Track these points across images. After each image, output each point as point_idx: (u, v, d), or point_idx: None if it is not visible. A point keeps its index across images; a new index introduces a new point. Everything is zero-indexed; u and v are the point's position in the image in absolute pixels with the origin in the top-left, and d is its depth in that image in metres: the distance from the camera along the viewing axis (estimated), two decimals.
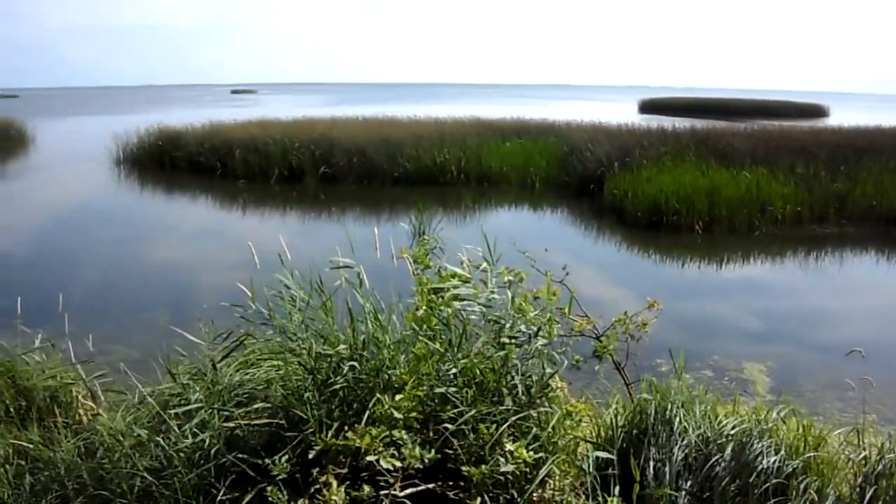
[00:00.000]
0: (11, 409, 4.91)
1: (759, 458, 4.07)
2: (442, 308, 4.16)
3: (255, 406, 3.95)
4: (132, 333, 8.89)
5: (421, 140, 22.85)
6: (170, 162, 25.57)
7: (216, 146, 24.45)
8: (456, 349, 4.07)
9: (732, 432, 4.24)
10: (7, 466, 4.52)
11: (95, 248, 14.80)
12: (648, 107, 70.24)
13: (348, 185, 22.00)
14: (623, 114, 43.68)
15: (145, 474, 3.79)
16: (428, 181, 21.65)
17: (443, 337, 4.15)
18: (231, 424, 3.82)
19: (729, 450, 4.09)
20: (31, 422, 4.85)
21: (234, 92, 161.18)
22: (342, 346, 3.99)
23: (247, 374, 4.32)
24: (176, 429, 3.94)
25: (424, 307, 4.15)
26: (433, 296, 4.19)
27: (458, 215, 18.72)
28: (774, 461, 4.06)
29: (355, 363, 3.94)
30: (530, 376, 4.08)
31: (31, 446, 4.57)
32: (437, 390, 3.80)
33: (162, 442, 3.90)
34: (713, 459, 4.05)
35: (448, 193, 20.93)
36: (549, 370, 4.12)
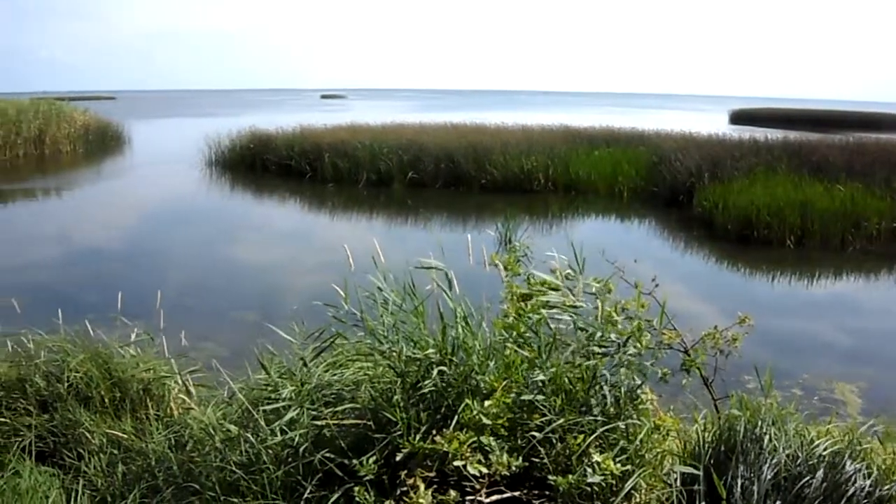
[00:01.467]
0: (106, 400, 5.07)
1: (852, 482, 3.92)
2: (531, 315, 4.13)
3: (344, 406, 3.97)
4: (222, 331, 9.08)
5: (508, 147, 22.78)
6: (260, 165, 26.11)
7: (306, 150, 24.84)
8: (545, 357, 4.04)
9: (824, 453, 4.10)
10: (101, 455, 4.67)
11: (188, 247, 15.20)
12: (740, 117, 68.58)
13: (435, 191, 22.11)
14: (714, 124, 42.93)
15: (234, 469, 3.86)
16: (515, 188, 21.60)
17: (531, 345, 4.12)
18: (320, 423, 3.85)
19: (820, 471, 3.95)
20: (125, 413, 5.00)
21: (323, 97, 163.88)
22: (432, 350, 3.98)
23: (335, 374, 4.36)
24: (264, 425, 4.00)
25: (514, 314, 4.13)
26: (522, 303, 4.17)
27: (545, 223, 18.63)
28: (867, 485, 3.91)
29: (445, 367, 3.94)
30: (619, 387, 4.02)
31: (124, 436, 4.71)
32: (526, 397, 3.77)
33: (251, 438, 3.96)
34: (803, 480, 3.92)
35: (535, 201, 20.85)
36: (637, 382, 4.06)
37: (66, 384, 5.07)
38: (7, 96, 40.96)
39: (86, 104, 44.31)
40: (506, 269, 4.44)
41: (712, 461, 4.07)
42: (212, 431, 4.25)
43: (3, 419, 4.96)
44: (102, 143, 36.75)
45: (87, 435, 4.79)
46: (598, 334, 4.13)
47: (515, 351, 3.99)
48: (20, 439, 4.85)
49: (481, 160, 22.37)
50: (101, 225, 17.82)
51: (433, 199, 21.36)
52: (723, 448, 4.17)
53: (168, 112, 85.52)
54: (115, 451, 4.69)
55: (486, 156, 22.45)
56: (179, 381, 5.29)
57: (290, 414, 3.88)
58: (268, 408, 4.09)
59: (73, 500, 4.21)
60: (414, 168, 22.74)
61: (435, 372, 3.91)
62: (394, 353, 4.08)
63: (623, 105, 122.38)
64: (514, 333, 4.11)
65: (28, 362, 5.37)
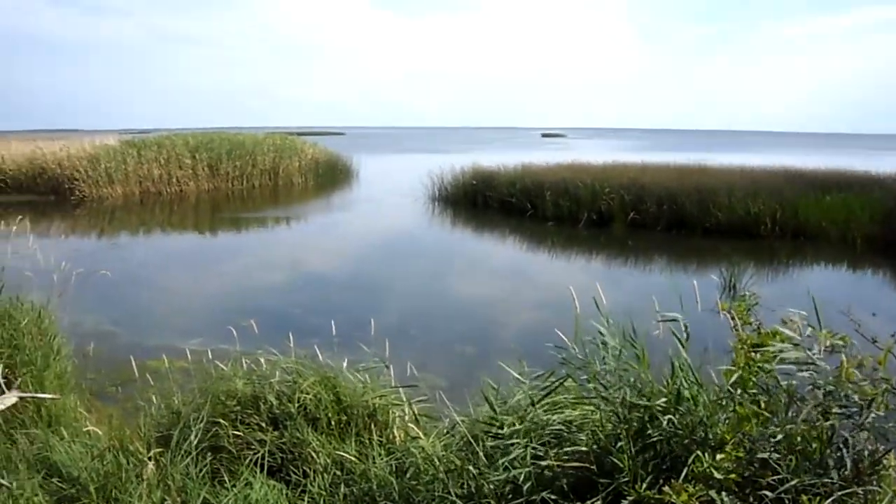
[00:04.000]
0: (333, 422, 5.30)
1: None
2: (763, 367, 3.94)
3: (567, 448, 3.94)
4: (441, 361, 9.30)
5: (733, 189, 21.97)
6: (482, 201, 26.72)
7: (527, 187, 25.19)
8: (783, 413, 3.84)
9: None
10: (325, 474, 4.88)
11: (409, 279, 15.71)
12: None
13: (657, 233, 21.70)
14: None
15: (456, 500, 3.90)
16: (739, 232, 20.81)
17: (761, 398, 3.94)
18: (543, 464, 3.83)
19: None
20: (350, 436, 5.20)
21: (544, 136, 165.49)
22: (660, 399, 3.89)
23: (556, 414, 4.33)
24: (485, 459, 4.02)
25: (743, 365, 3.96)
26: (753, 354, 3.99)
27: (771, 270, 17.78)
28: None
29: (672, 417, 3.83)
30: (860, 451, 3.75)
31: (348, 458, 4.86)
32: (760, 455, 3.60)
33: (473, 470, 3.99)
34: None
35: (760, 246, 19.98)
36: (880, 447, 3.77)
37: (296, 404, 5.35)
38: (246, 131, 44.07)
39: (316, 139, 47.02)
40: (736, 317, 4.26)
41: None
42: (435, 461, 4.32)
43: (238, 433, 5.29)
44: (332, 175, 38.92)
45: (314, 454, 5.03)
46: (837, 392, 3.89)
47: (742, 404, 3.82)
48: (252, 453, 5.15)
49: (705, 202, 21.73)
50: (327, 254, 18.84)
51: (654, 240, 20.97)
52: None
53: (394, 148, 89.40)
54: (339, 472, 4.89)
55: (709, 198, 21.79)
56: (406, 410, 5.43)
57: (516, 452, 3.88)
58: (491, 444, 4.11)
59: None
60: (635, 209, 22.46)
61: (665, 421, 3.82)
62: (617, 399, 4.02)
63: (851, 146, 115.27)
64: (745, 385, 3.94)
65: (263, 381, 5.69)
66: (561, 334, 4.60)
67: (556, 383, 4.37)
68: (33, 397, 6.18)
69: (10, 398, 5.78)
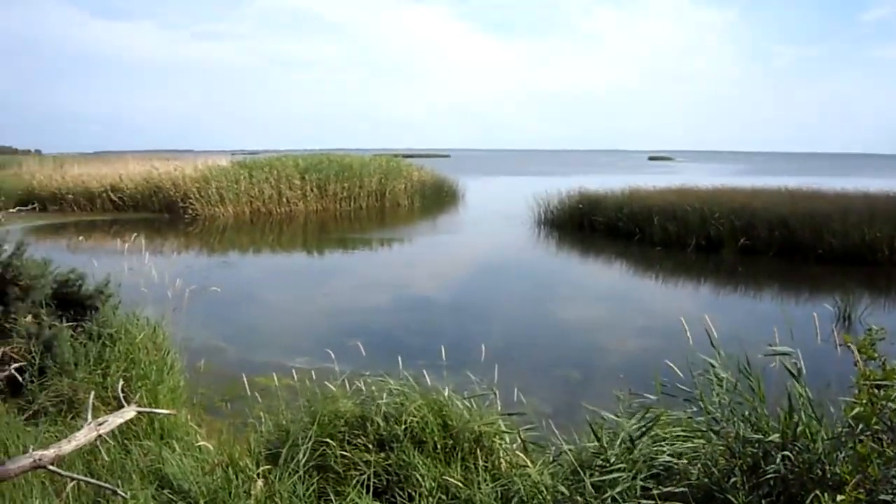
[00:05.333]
0: (439, 446, 5.32)
1: None
2: (887, 405, 3.78)
3: (676, 483, 3.86)
4: (544, 386, 9.24)
5: (848, 214, 21.16)
6: (588, 224, 26.46)
7: (634, 212, 24.87)
8: None
9: None
10: (430, 498, 4.88)
11: (513, 302, 15.66)
12: None
13: (768, 259, 21.07)
14: None
15: None
16: (854, 259, 20.00)
17: (885, 437, 3.78)
18: (652, 496, 3.77)
19: None
20: (455, 460, 5.21)
21: (651, 158, 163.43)
22: (775, 435, 3.78)
23: (664, 447, 4.25)
24: (592, 490, 3.97)
25: (866, 402, 3.80)
26: (876, 391, 3.83)
27: (888, 300, 17.05)
28: None
29: (788, 453, 3.72)
30: None
31: (453, 483, 4.85)
32: (882, 497, 3.46)
33: (580, 500, 3.94)
34: None
35: (877, 274, 19.15)
36: None
37: (403, 426, 5.36)
38: (353, 152, 44.86)
39: (422, 161, 47.55)
40: (860, 351, 4.10)
41: None
42: (542, 490, 4.28)
43: (345, 453, 5.35)
44: (437, 197, 39.26)
45: (419, 477, 5.06)
46: None
47: (864, 442, 3.67)
48: (359, 473, 5.20)
49: (818, 228, 20.99)
50: (432, 275, 18.99)
51: (765, 267, 20.37)
52: None
53: (499, 170, 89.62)
54: (444, 497, 4.91)
55: (823, 223, 21.03)
56: (517, 438, 5.40)
57: (624, 485, 3.82)
58: (598, 476, 4.06)
59: None
60: (746, 234, 21.84)
61: (779, 458, 3.70)
62: (730, 434, 3.92)
63: None
64: (867, 423, 3.78)
65: (370, 402, 5.75)
66: (671, 364, 4.51)
67: (664, 414, 4.29)
68: (150, 412, 6.36)
69: (129, 412, 5.98)
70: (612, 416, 4.77)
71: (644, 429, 4.35)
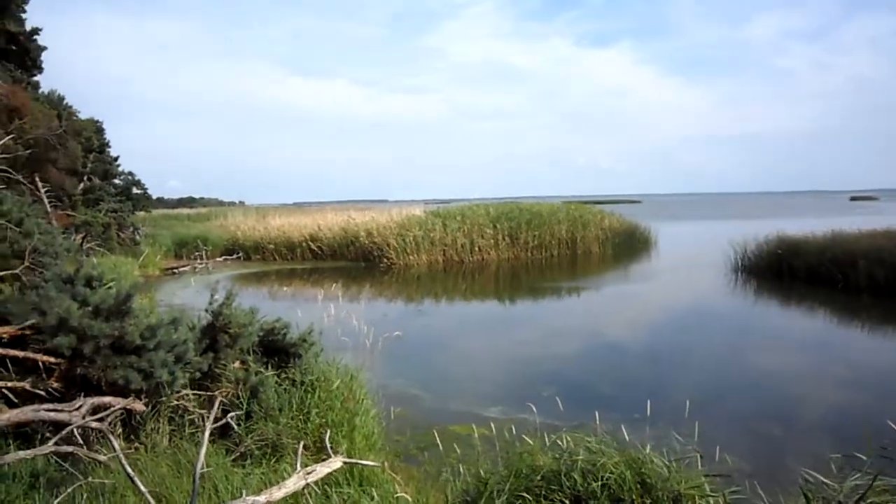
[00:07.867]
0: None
1: None
2: None
3: None
4: (742, 442, 8.79)
5: None
6: (787, 271, 25.21)
7: (837, 256, 23.46)
8: None
9: None
10: None
11: (709, 352, 15.06)
12: None
13: None
14: None
15: None
16: None
17: None
18: None
19: None
20: None
21: (853, 199, 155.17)
22: None
23: None
24: None
25: None
26: None
27: None
28: None
29: None
30: None
31: None
32: None
33: None
34: None
35: None
36: None
37: (600, 483, 5.22)
38: (542, 199, 44.95)
39: (613, 207, 47.15)
40: None
41: None
42: None
43: None
44: (630, 244, 38.81)
45: None
46: None
47: None
48: None
49: None
50: (625, 325, 18.65)
51: None
52: None
53: (692, 215, 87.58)
54: None
55: None
56: (720, 501, 5.15)
57: None
58: None
59: None
60: None
61: None
62: None
63: None
64: None
65: (567, 457, 5.64)
66: (893, 424, 4.18)
67: (880, 480, 3.97)
68: (356, 464, 6.46)
69: (336, 462, 6.13)
70: (821, 478, 4.46)
71: (859, 497, 4.03)
